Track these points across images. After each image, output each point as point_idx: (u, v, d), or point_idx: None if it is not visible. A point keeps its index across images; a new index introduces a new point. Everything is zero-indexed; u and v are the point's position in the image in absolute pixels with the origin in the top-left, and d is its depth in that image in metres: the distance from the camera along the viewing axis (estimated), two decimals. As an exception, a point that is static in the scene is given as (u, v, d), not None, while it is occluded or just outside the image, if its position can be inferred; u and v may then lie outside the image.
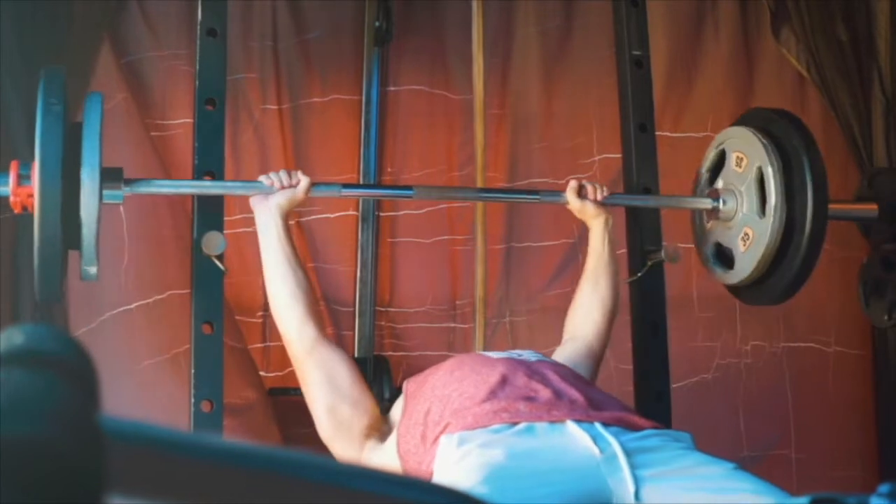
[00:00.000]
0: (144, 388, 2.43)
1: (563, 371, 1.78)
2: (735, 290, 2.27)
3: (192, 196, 2.07)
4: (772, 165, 2.09)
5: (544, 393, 1.65)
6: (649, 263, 2.29)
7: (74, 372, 0.46)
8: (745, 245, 2.16)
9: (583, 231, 2.74)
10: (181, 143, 2.47)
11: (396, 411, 1.86)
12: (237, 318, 2.51)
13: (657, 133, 2.43)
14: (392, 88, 2.69)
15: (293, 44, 2.62)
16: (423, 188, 2.28)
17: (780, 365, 2.86)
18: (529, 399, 1.63)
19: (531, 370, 1.73)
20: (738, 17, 2.92)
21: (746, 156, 2.16)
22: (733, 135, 2.22)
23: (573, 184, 2.12)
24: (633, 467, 1.47)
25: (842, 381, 2.90)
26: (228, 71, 2.15)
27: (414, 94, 2.71)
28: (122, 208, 2.44)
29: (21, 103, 2.25)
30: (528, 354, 1.87)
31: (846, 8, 2.82)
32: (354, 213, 2.62)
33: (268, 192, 1.96)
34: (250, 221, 2.54)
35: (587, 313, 2.11)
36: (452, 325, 2.68)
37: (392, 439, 1.79)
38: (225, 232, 2.05)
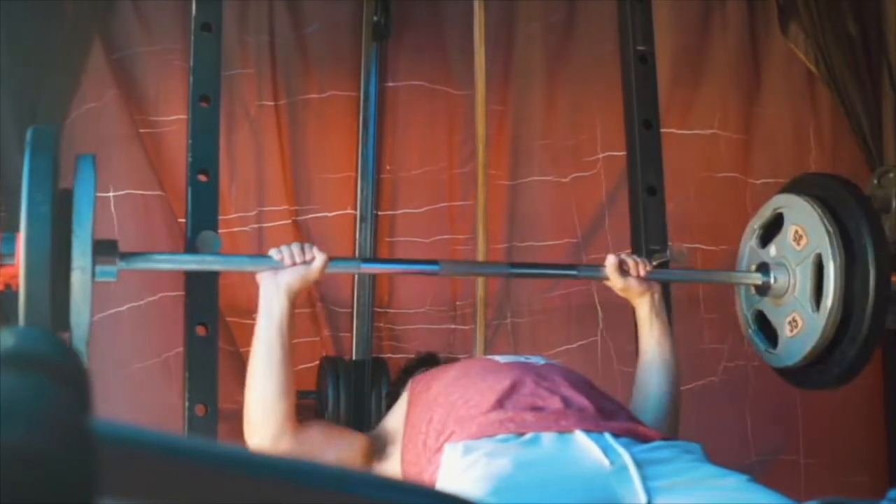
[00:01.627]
0: (135, 393, 2.43)
1: (573, 377, 1.77)
2: (775, 369, 2.21)
3: (186, 193, 2.06)
4: (834, 260, 1.99)
5: (552, 401, 1.64)
6: (654, 264, 2.28)
7: (65, 375, 0.45)
8: (792, 331, 2.08)
9: (586, 231, 2.75)
10: (175, 141, 2.46)
11: (398, 414, 1.86)
12: (233, 319, 2.51)
13: (662, 130, 2.42)
14: (391, 84, 2.69)
15: (290, 39, 2.62)
16: (448, 263, 2.11)
17: (789, 368, 2.85)
18: (537, 408, 1.61)
19: (540, 376, 1.72)
20: (746, 11, 2.92)
21: (807, 235, 2.06)
22: (793, 204, 2.11)
23: (613, 259, 2.01)
24: (644, 479, 1.45)
25: (851, 384, 2.89)
26: (223, 66, 2.14)
27: (413, 90, 2.71)
28: (112, 208, 2.44)
29: (10, 99, 2.25)
30: (535, 359, 1.87)
31: (856, 2, 2.82)
32: (352, 211, 2.62)
33: (277, 267, 1.84)
34: (246, 220, 2.55)
35: (646, 399, 1.99)
36: (452, 326, 2.68)
37: (396, 450, 1.78)
38: (220, 231, 2.04)
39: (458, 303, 2.69)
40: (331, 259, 1.85)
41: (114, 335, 2.43)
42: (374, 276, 2.61)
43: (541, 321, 2.72)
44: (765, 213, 2.20)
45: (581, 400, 1.65)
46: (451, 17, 2.70)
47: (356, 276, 2.59)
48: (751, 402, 2.81)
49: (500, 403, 1.62)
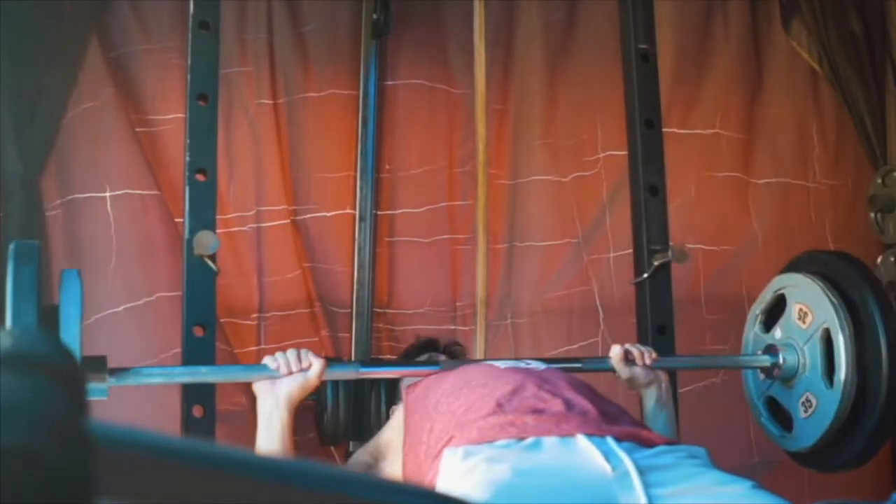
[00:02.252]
0: (132, 394, 2.43)
1: (575, 381, 1.76)
2: (791, 453, 2.18)
3: (184, 193, 2.06)
4: (843, 332, 1.96)
5: (554, 404, 1.63)
6: (656, 264, 2.29)
7: (62, 376, 0.46)
8: (806, 412, 2.04)
9: (587, 230, 2.75)
10: (172, 140, 2.46)
11: (396, 425, 1.85)
12: (231, 320, 2.51)
13: (664, 130, 2.42)
14: (390, 83, 2.69)
15: (289, 37, 2.62)
16: (449, 363, 1.99)
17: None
18: (538, 412, 1.61)
19: (541, 379, 1.71)
20: (748, 9, 2.92)
21: (811, 312, 2.03)
22: (795, 283, 2.09)
23: (618, 350, 1.99)
24: (646, 486, 1.43)
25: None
26: (221, 65, 2.14)
27: (413, 89, 2.71)
28: (109, 207, 2.44)
29: (8, 98, 2.25)
30: (535, 364, 1.86)
31: (859, 0, 2.82)
32: (351, 211, 2.62)
33: (274, 377, 1.81)
34: (244, 220, 2.55)
35: None
36: (453, 327, 2.68)
37: (395, 460, 1.78)
38: (218, 231, 2.04)
39: (458, 303, 2.69)
40: (329, 362, 1.83)
41: (110, 336, 2.43)
42: (373, 276, 2.61)
43: (541, 322, 2.72)
44: (766, 297, 2.17)
45: (583, 403, 1.64)
46: (451, 15, 2.70)
47: (355, 276, 2.59)
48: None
49: (500, 407, 1.62)
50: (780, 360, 2.07)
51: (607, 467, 1.46)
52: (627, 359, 1.98)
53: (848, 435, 2.01)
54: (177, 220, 2.43)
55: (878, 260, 2.63)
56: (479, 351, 2.52)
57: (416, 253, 2.68)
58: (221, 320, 2.49)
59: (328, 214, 2.63)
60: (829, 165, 2.93)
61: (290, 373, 1.81)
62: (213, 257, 2.01)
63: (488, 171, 2.55)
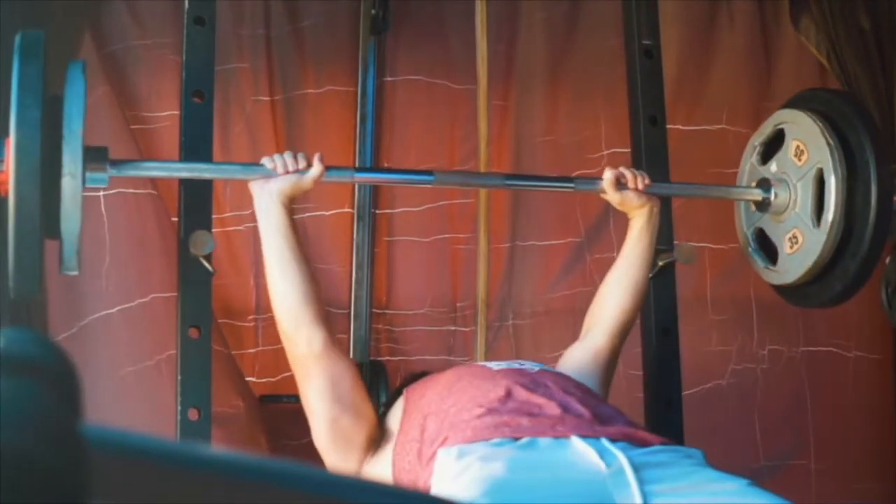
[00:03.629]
0: (126, 396, 2.43)
1: (568, 384, 1.77)
2: (772, 286, 2.24)
3: (179, 192, 2.07)
4: (835, 174, 2.00)
5: (548, 407, 1.64)
6: (661, 263, 2.29)
7: (55, 379, 0.46)
8: (791, 247, 2.11)
9: (591, 229, 2.75)
10: (167, 137, 2.47)
11: (394, 419, 1.86)
12: (228, 321, 2.52)
13: (669, 126, 2.42)
14: (390, 79, 2.70)
15: (286, 32, 2.62)
16: (443, 173, 2.17)
17: (798, 370, 2.86)
18: (532, 414, 1.62)
19: (534, 382, 1.72)
20: (755, 4, 2.92)
21: (808, 150, 2.07)
22: (795, 120, 2.12)
23: (610, 173, 2.02)
24: (641, 482, 1.45)
25: (862, 387, 2.90)
26: (217, 61, 2.14)
27: (413, 85, 2.71)
28: (103, 207, 2.44)
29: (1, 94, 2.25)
30: (529, 365, 1.87)
31: (868, -6, 2.83)
32: (350, 210, 2.63)
33: (269, 176, 1.86)
34: (241, 220, 2.55)
35: (602, 307, 2.06)
36: (453, 328, 2.68)
37: (388, 454, 1.78)
38: (214, 231, 2.05)
39: (458, 304, 2.69)
40: (326, 168, 1.87)
41: (104, 338, 2.43)
42: (372, 276, 2.61)
43: (544, 323, 2.72)
44: (765, 130, 2.21)
45: (577, 406, 1.66)
46: (451, 11, 2.70)
47: (353, 276, 2.59)
48: (759, 405, 2.81)
49: (494, 408, 1.63)
50: (772, 195, 2.13)
51: (601, 464, 1.48)
52: (619, 182, 2.01)
53: (828, 275, 2.07)
54: (172, 219, 2.43)
55: (887, 260, 2.63)
56: (479, 352, 2.52)
57: (416, 253, 2.69)
58: (218, 321, 2.49)
59: (326, 213, 2.64)
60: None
61: (287, 172, 1.84)
62: (208, 257, 2.01)
63: (490, 169, 2.55)
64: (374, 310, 2.63)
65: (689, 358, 2.41)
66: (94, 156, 1.79)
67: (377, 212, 2.66)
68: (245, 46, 2.59)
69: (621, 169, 2.04)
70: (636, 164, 2.39)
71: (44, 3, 2.34)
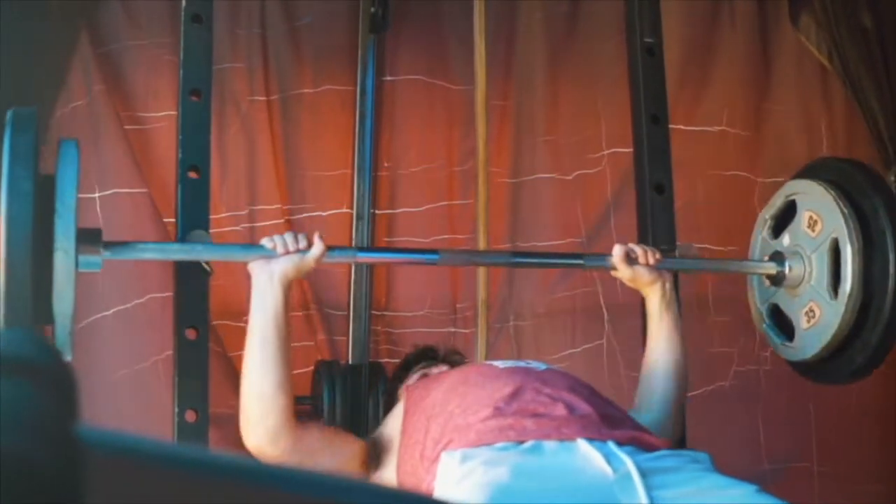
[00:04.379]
0: (122, 398, 2.43)
1: (576, 383, 1.77)
2: (790, 363, 2.20)
3: (176, 191, 2.06)
4: (851, 244, 1.98)
5: (554, 408, 1.63)
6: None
7: (52, 380, 0.46)
8: (808, 322, 2.06)
9: (590, 230, 2.75)
10: (164, 137, 2.47)
11: (395, 422, 1.86)
12: (224, 322, 2.51)
13: (669, 126, 2.42)
14: (389, 78, 2.69)
15: (283, 31, 2.62)
16: (447, 252, 2.08)
17: (801, 372, 2.86)
18: (538, 415, 1.61)
19: (542, 382, 1.72)
20: (756, 2, 2.92)
21: (821, 220, 2.04)
22: (807, 190, 2.10)
23: (620, 249, 1.99)
24: (648, 488, 1.44)
25: (866, 388, 2.90)
26: (214, 60, 2.14)
27: (412, 84, 2.71)
28: (98, 207, 2.44)
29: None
30: (536, 364, 1.86)
31: (870, -8, 2.82)
32: (349, 210, 2.62)
33: (270, 256, 1.82)
34: (237, 220, 2.55)
35: (651, 395, 2.00)
36: (453, 329, 2.68)
37: (391, 460, 1.78)
38: (210, 231, 2.04)
39: (458, 305, 2.69)
40: (329, 248, 1.84)
41: (100, 339, 2.43)
42: (371, 277, 2.61)
43: (545, 324, 2.72)
44: (776, 202, 2.19)
45: (584, 407, 1.65)
46: (450, 9, 2.70)
47: (352, 277, 2.59)
48: (762, 407, 2.81)
49: (499, 411, 1.62)
50: (787, 268, 2.10)
51: (608, 470, 1.47)
52: (630, 258, 1.98)
53: (849, 348, 2.03)
54: (168, 219, 2.43)
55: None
56: (480, 354, 2.52)
57: (416, 254, 2.68)
58: (214, 322, 2.49)
59: (324, 214, 2.63)
60: (839, 164, 2.93)
61: (287, 252, 1.81)
62: (206, 258, 2.01)
63: (489, 170, 2.55)
64: (374, 311, 2.63)
65: (691, 359, 2.40)
66: (87, 238, 1.75)
67: (376, 212, 2.66)
68: (241, 45, 2.59)
69: (631, 245, 2.01)
70: (638, 164, 2.38)
71: (40, 3, 2.34)
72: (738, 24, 2.90)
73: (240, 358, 2.52)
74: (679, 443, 2.04)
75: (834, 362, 2.07)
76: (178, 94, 2.11)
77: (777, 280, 2.13)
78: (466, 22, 2.52)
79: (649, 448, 1.58)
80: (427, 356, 2.22)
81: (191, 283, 2.02)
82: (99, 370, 2.40)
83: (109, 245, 1.81)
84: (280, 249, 1.81)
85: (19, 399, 0.43)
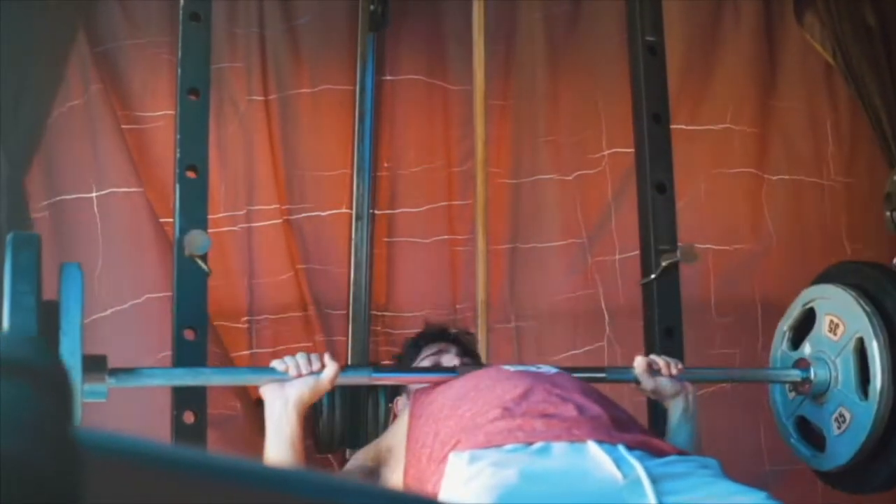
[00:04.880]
0: (118, 400, 2.42)
1: (585, 387, 1.77)
2: (823, 475, 2.15)
3: (174, 191, 2.07)
4: (877, 339, 1.95)
5: (565, 409, 1.63)
6: (664, 264, 2.29)
7: (50, 382, 0.46)
8: (840, 428, 2.02)
9: (591, 231, 2.75)
10: (162, 137, 2.47)
11: (400, 426, 1.86)
12: (221, 323, 2.51)
13: (672, 126, 2.42)
14: (388, 77, 2.69)
15: (281, 31, 2.62)
16: (466, 368, 1.96)
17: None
18: (548, 415, 1.61)
19: (551, 384, 1.72)
20: (761, 2, 2.91)
21: (843, 322, 2.02)
22: (825, 294, 2.09)
23: (642, 361, 1.97)
24: (658, 494, 1.44)
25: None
26: (212, 60, 2.15)
27: (411, 84, 2.71)
28: (95, 207, 2.44)
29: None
30: (546, 368, 1.86)
31: (875, -10, 2.82)
32: (348, 210, 2.63)
33: (283, 379, 1.79)
34: (234, 220, 2.56)
35: None
36: (453, 330, 2.68)
37: (398, 463, 1.78)
38: (208, 230, 2.05)
39: (458, 306, 2.69)
40: (343, 369, 1.81)
41: (97, 340, 2.43)
42: (370, 277, 2.61)
43: (546, 325, 2.72)
44: (793, 312, 2.16)
45: (595, 408, 1.65)
46: (450, 7, 2.70)
47: (351, 277, 2.59)
48: (765, 410, 2.80)
49: (508, 411, 1.62)
50: (812, 375, 2.06)
51: (618, 474, 1.47)
52: (652, 369, 1.96)
53: (885, 450, 1.98)
54: (166, 219, 2.43)
55: (895, 260, 2.63)
56: (481, 355, 2.52)
57: (415, 253, 2.69)
58: (220, 323, 2.49)
59: (323, 214, 2.64)
60: (844, 162, 2.93)
61: (300, 375, 1.78)
62: (204, 257, 2.01)
63: (489, 170, 2.55)
64: (373, 311, 2.63)
65: (692, 361, 2.40)
66: (93, 366, 1.73)
67: (376, 212, 2.66)
68: (239, 45, 2.59)
69: (652, 357, 2.00)
70: (640, 163, 2.38)
71: (38, 2, 2.34)
72: (741, 21, 2.90)
73: (239, 359, 2.53)
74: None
75: (870, 466, 2.03)
76: (176, 94, 2.11)
77: (802, 388, 2.09)
78: (466, 21, 2.53)
79: (659, 453, 1.57)
80: (439, 338, 2.20)
81: (189, 284, 2.02)
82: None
83: (114, 372, 1.78)
84: (293, 372, 1.79)
85: (18, 401, 0.44)
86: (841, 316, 2.02)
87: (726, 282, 2.80)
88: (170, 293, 2.11)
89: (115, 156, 2.48)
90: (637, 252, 2.40)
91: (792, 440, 2.16)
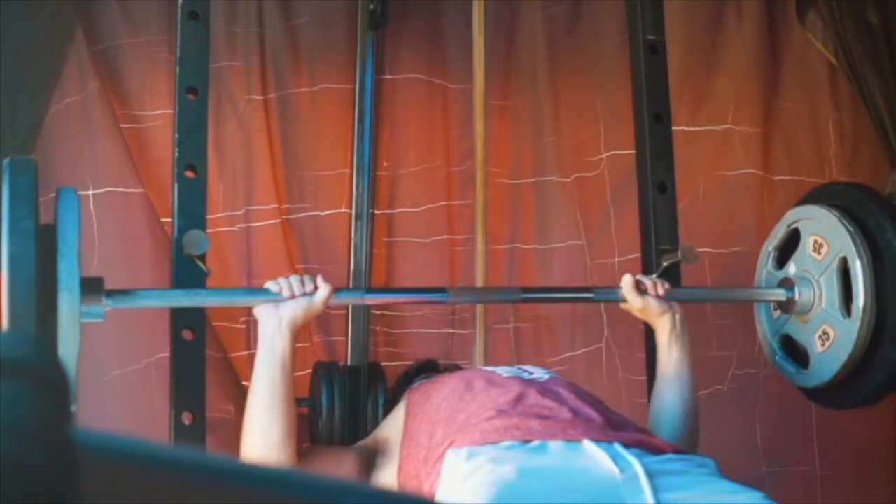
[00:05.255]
0: (113, 401, 2.43)
1: (578, 390, 1.78)
2: (808, 391, 2.20)
3: (172, 190, 2.07)
4: (860, 258, 2.00)
5: (559, 411, 1.65)
6: (664, 264, 2.29)
7: (47, 383, 0.46)
8: (823, 345, 2.07)
9: (591, 233, 2.75)
10: (160, 136, 2.47)
11: (395, 424, 1.86)
12: (218, 324, 2.52)
13: (673, 127, 2.42)
14: (388, 76, 2.70)
15: (280, 29, 2.62)
16: (457, 290, 2.11)
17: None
18: (543, 417, 1.63)
19: (544, 389, 1.73)
20: (763, 1, 2.91)
21: (827, 242, 2.07)
22: (809, 215, 2.13)
23: (629, 279, 2.01)
24: (655, 490, 1.46)
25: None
26: (210, 59, 2.15)
27: (411, 83, 2.71)
28: (92, 206, 2.45)
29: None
30: (539, 373, 1.87)
31: (877, -11, 2.83)
32: (347, 210, 2.63)
33: (277, 300, 1.84)
34: (233, 220, 2.56)
35: (662, 427, 1.98)
36: (451, 330, 2.69)
37: (392, 462, 1.79)
38: (206, 230, 2.05)
39: (457, 306, 2.69)
40: (336, 290, 1.84)
41: (93, 340, 2.43)
42: (369, 277, 2.61)
43: (544, 327, 2.72)
44: (778, 233, 2.21)
45: (589, 411, 1.66)
46: (450, 6, 2.70)
47: (350, 277, 2.59)
48: (760, 411, 2.81)
49: (503, 412, 1.63)
50: (796, 294, 2.11)
51: (615, 470, 1.48)
52: (639, 288, 2.00)
53: (867, 367, 2.04)
54: (164, 219, 2.44)
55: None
56: (478, 356, 2.53)
57: (415, 253, 2.69)
58: (216, 324, 2.50)
59: (322, 214, 2.64)
60: (846, 162, 2.93)
61: (294, 296, 1.82)
62: (202, 257, 2.01)
63: (488, 170, 2.55)
64: (373, 311, 2.63)
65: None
66: (90, 288, 1.76)
67: (376, 212, 2.66)
68: (238, 44, 2.60)
69: (639, 277, 2.03)
70: (640, 164, 2.39)
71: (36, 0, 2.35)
72: (743, 20, 2.90)
73: (238, 359, 2.54)
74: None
75: (853, 383, 2.07)
76: (174, 93, 2.11)
77: (787, 306, 2.13)
78: (465, 20, 2.53)
79: (656, 451, 1.59)
80: (427, 369, 2.23)
81: (188, 284, 2.02)
82: (92, 371, 2.40)
83: (111, 294, 1.82)
84: (286, 293, 1.83)
85: (16, 402, 0.44)
86: (825, 236, 2.07)
87: (723, 284, 2.80)
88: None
89: (113, 155, 2.49)
90: (636, 255, 2.41)
91: (777, 358, 2.21)
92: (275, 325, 1.81)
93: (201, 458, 0.53)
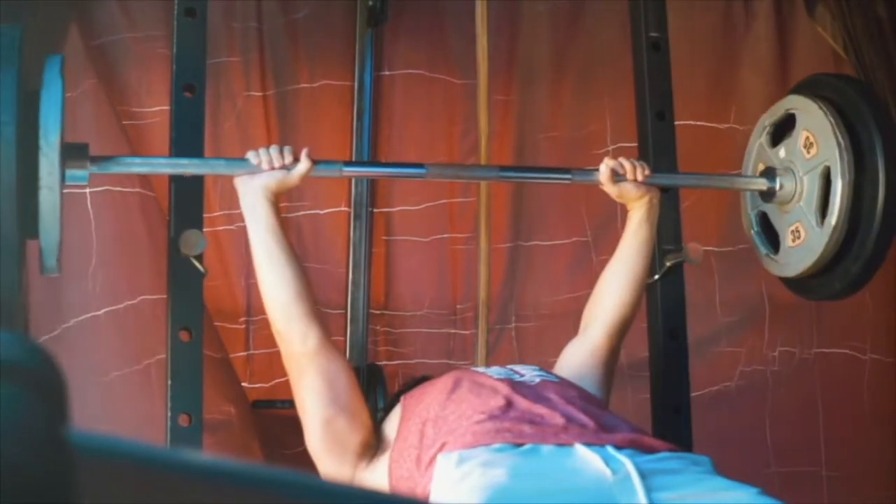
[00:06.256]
0: (111, 402, 2.43)
1: (570, 394, 1.78)
2: (776, 275, 2.27)
3: (169, 190, 2.07)
4: (843, 177, 2.01)
5: (550, 417, 1.66)
6: (668, 264, 2.30)
7: (43, 384, 0.47)
8: (794, 241, 2.13)
9: (597, 229, 2.76)
10: (157, 133, 2.48)
11: (391, 426, 1.87)
12: (217, 324, 2.52)
13: (676, 122, 2.43)
14: (387, 72, 2.70)
15: (279, 25, 2.63)
16: (435, 166, 2.20)
17: (811, 373, 2.86)
18: (534, 422, 1.64)
19: (535, 394, 1.74)
20: (772, -3, 2.91)
21: (817, 144, 2.07)
22: (808, 109, 2.12)
23: (605, 169, 2.01)
24: (648, 490, 1.45)
25: (877, 392, 2.90)
26: (208, 54, 2.15)
27: (411, 79, 2.72)
28: (89, 205, 2.45)
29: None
30: (529, 375, 1.87)
31: (885, -17, 2.83)
32: (346, 209, 2.63)
33: (255, 171, 1.88)
34: (232, 219, 2.56)
35: (600, 302, 2.05)
36: (452, 330, 2.69)
37: (383, 462, 1.79)
38: (204, 230, 2.05)
39: (458, 306, 2.70)
40: (314, 163, 1.88)
41: (91, 341, 2.44)
42: (369, 276, 2.62)
43: (547, 326, 2.72)
44: (777, 111, 2.22)
45: (581, 416, 1.67)
46: (451, 3, 2.71)
47: (350, 276, 2.60)
48: (769, 409, 2.82)
49: (494, 416, 1.64)
50: (777, 185, 2.14)
51: (607, 471, 1.49)
52: (617, 174, 2.01)
53: (828, 274, 2.10)
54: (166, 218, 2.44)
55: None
56: (480, 356, 2.53)
57: (415, 252, 2.70)
58: (216, 324, 2.50)
59: (321, 212, 2.64)
60: (854, 158, 2.93)
61: (272, 168, 1.86)
62: (200, 257, 2.01)
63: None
64: (372, 311, 2.64)
65: (696, 360, 2.41)
66: (74, 153, 1.79)
67: (374, 210, 2.67)
68: (236, 39, 2.60)
69: (620, 160, 2.04)
70: (643, 160, 2.39)
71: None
72: (750, 15, 2.90)
73: (238, 360, 2.54)
74: (685, 445, 2.05)
75: (815, 282, 2.15)
76: (171, 89, 2.12)
77: (768, 196, 2.18)
78: (467, 14, 2.53)
79: (649, 450, 1.59)
80: (424, 381, 2.24)
81: (184, 284, 2.03)
82: (87, 372, 2.41)
83: (96, 159, 1.85)
84: (265, 165, 1.86)
85: (11, 404, 0.45)
86: (817, 137, 2.08)
87: (731, 281, 2.80)
88: (165, 295, 2.11)
89: (110, 152, 2.49)
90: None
91: (753, 231, 2.26)
92: (251, 197, 1.85)
93: (196, 459, 0.53)
